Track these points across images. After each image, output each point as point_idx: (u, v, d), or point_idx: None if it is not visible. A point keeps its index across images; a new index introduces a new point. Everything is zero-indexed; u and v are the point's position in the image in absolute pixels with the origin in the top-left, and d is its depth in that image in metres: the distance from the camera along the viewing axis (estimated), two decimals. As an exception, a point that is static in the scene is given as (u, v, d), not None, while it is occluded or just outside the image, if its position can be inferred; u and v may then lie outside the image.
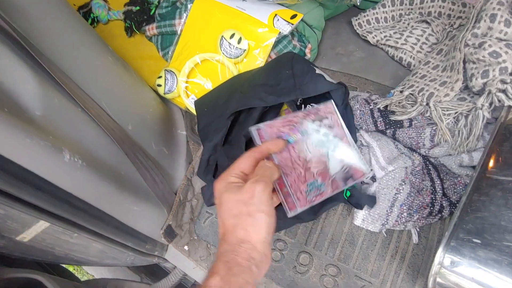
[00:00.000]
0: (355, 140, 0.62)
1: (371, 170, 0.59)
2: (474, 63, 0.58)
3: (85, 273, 1.25)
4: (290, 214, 0.43)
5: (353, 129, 0.63)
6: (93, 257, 0.63)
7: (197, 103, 0.73)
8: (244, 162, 0.40)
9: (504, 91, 0.55)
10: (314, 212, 0.61)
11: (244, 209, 0.36)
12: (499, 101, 0.55)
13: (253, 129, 0.44)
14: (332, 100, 0.51)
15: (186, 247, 0.74)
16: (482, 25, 0.56)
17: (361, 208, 0.60)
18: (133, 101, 0.64)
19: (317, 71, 0.58)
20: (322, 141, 0.47)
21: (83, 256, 0.62)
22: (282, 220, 0.62)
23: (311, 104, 0.66)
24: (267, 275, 0.64)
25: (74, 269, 1.25)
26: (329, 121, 0.49)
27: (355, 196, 0.59)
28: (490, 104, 0.56)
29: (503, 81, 0.55)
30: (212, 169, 0.62)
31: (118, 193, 0.52)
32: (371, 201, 0.59)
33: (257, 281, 0.35)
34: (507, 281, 0.41)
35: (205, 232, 0.72)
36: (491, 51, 0.54)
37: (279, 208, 0.61)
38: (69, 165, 0.43)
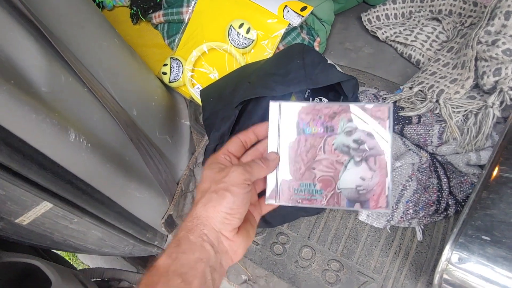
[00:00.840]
0: None
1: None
2: (486, 61, 0.57)
3: (80, 263, 1.23)
4: (267, 201, 0.40)
5: None
6: (92, 244, 0.61)
7: (203, 92, 0.72)
8: (231, 143, 0.40)
9: (516, 90, 0.54)
10: None
11: (213, 187, 0.34)
12: (511, 99, 0.54)
13: (273, 104, 0.40)
14: (392, 104, 0.40)
15: (186, 238, 0.73)
16: (496, 23, 0.56)
17: None
18: (139, 87, 0.63)
19: (329, 61, 0.57)
20: (347, 147, 0.39)
21: (82, 243, 0.61)
22: (286, 212, 0.61)
23: (320, 97, 0.65)
24: (268, 268, 0.63)
25: (70, 259, 1.24)
26: (371, 128, 0.38)
27: None
28: (501, 102, 0.56)
29: (515, 80, 0.54)
30: None
31: (121, 178, 0.51)
32: None
33: (216, 261, 0.33)
34: (516, 279, 0.41)
35: (206, 223, 0.71)
36: (504, 48, 0.54)
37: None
38: (74, 145, 0.41)
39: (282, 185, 0.40)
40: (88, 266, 1.15)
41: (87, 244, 0.62)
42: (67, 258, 1.21)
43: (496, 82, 0.56)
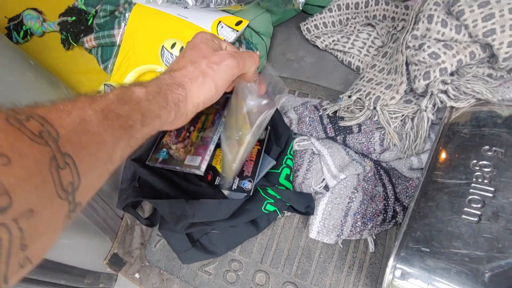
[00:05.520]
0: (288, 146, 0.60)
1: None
2: (416, 65, 0.57)
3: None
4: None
5: (285, 132, 0.60)
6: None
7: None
8: (230, 44, 0.42)
9: (445, 92, 0.54)
10: (256, 227, 0.59)
11: (203, 65, 0.36)
12: (442, 102, 0.55)
13: None
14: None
15: (137, 275, 0.68)
16: (421, 26, 0.56)
17: (303, 213, 0.57)
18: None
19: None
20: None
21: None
22: (229, 238, 0.59)
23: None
24: (222, 299, 0.59)
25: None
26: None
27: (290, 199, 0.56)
28: (434, 105, 0.56)
29: (444, 82, 0.54)
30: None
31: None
32: (305, 200, 0.56)
33: (163, 127, 0.35)
34: (458, 290, 0.40)
35: (157, 257, 0.66)
36: (430, 52, 0.54)
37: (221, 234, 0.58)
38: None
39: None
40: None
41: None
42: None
43: (427, 85, 0.56)
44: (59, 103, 0.25)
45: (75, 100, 0.26)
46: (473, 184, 0.45)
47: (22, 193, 0.19)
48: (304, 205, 0.55)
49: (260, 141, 0.58)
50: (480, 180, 0.45)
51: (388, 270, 0.44)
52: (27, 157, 0.20)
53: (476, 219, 0.42)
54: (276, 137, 0.59)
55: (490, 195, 0.43)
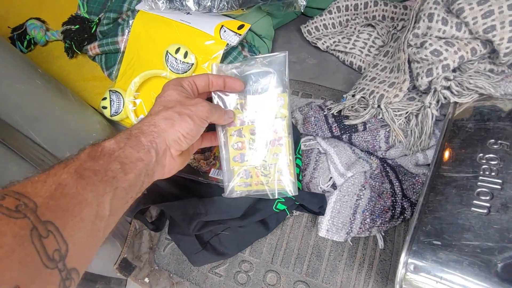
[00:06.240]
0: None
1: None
2: (418, 62, 0.58)
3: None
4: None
5: (294, 132, 0.61)
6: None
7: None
8: (200, 77, 0.42)
9: (448, 88, 0.55)
10: (266, 227, 0.59)
11: (178, 108, 0.36)
12: (445, 98, 0.55)
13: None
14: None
15: (146, 279, 0.68)
16: (422, 25, 0.57)
17: (314, 213, 0.58)
18: (70, 127, 0.58)
19: None
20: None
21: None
22: (239, 240, 0.59)
23: None
24: (234, 300, 0.60)
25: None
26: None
27: (306, 200, 0.56)
28: (437, 101, 0.57)
29: (446, 78, 0.55)
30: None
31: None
32: (319, 200, 0.56)
33: (152, 168, 0.34)
34: (471, 281, 0.40)
35: (166, 261, 0.66)
36: (432, 49, 0.55)
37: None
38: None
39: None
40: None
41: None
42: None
43: (430, 82, 0.57)
44: (34, 176, 0.25)
45: (49, 169, 0.27)
46: (480, 177, 0.46)
47: (5, 271, 0.19)
48: (317, 205, 0.56)
49: None
50: (487, 173, 0.46)
51: (400, 264, 0.44)
52: (4, 235, 0.20)
53: (485, 211, 0.43)
54: None
55: (498, 187, 0.44)
